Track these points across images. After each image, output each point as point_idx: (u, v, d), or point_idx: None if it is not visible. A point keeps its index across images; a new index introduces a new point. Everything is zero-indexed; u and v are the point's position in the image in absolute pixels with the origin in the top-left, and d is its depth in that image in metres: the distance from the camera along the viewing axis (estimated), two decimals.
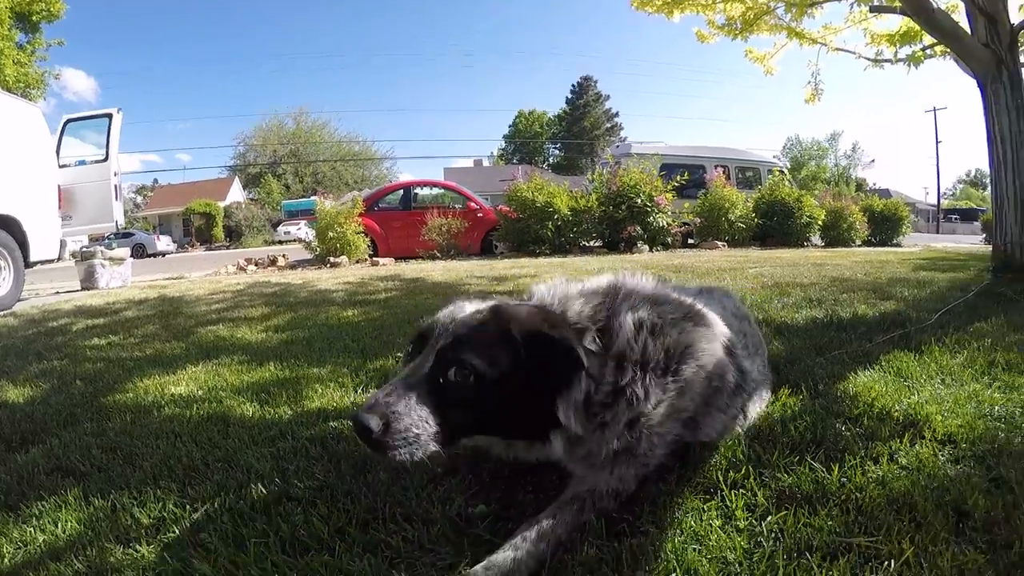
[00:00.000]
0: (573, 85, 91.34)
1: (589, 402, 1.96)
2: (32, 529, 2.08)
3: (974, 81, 6.83)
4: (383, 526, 1.92)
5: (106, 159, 11.90)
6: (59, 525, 2.09)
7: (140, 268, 17.69)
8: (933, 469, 2.17)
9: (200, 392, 3.61)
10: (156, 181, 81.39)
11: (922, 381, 3.16)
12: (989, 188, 6.72)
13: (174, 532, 1.96)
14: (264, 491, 2.19)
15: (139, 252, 37.65)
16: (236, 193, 69.52)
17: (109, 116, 12.12)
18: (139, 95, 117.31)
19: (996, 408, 2.74)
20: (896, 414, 2.64)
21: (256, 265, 16.10)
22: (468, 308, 2.09)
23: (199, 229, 58.85)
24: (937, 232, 47.30)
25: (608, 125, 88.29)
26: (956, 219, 58.78)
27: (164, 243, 45.58)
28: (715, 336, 2.28)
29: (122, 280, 12.39)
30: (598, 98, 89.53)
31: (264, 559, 1.78)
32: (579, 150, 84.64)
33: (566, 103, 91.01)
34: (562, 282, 2.36)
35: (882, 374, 3.27)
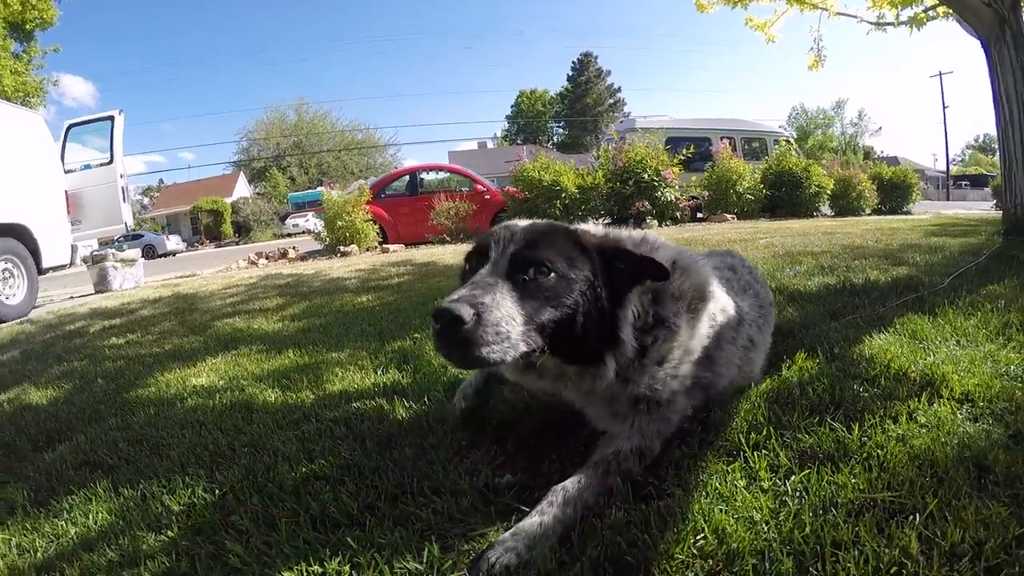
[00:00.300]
0: (573, 62, 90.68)
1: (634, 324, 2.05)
2: (64, 523, 2.12)
3: (978, 43, 6.77)
4: (412, 500, 1.95)
5: (111, 162, 11.91)
6: (90, 517, 2.13)
7: (151, 268, 17.79)
8: (952, 427, 2.18)
9: (222, 382, 3.66)
10: (162, 181, 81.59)
11: (937, 343, 3.16)
12: (997, 151, 6.64)
13: (205, 516, 1.99)
14: (292, 472, 2.22)
15: (149, 253, 37.68)
16: (242, 188, 69.62)
17: (111, 119, 12.12)
18: (138, 96, 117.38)
19: (1012, 367, 2.73)
20: (913, 375, 2.64)
21: (267, 258, 16.10)
22: (523, 222, 2.07)
23: (207, 226, 59.00)
24: (947, 199, 46.87)
25: (611, 101, 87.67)
26: (966, 185, 58.28)
27: (174, 242, 45.63)
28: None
29: (135, 281, 12.45)
30: (599, 74, 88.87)
31: (296, 537, 1.81)
32: (583, 127, 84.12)
33: (567, 80, 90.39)
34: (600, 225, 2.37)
35: (897, 337, 3.27)
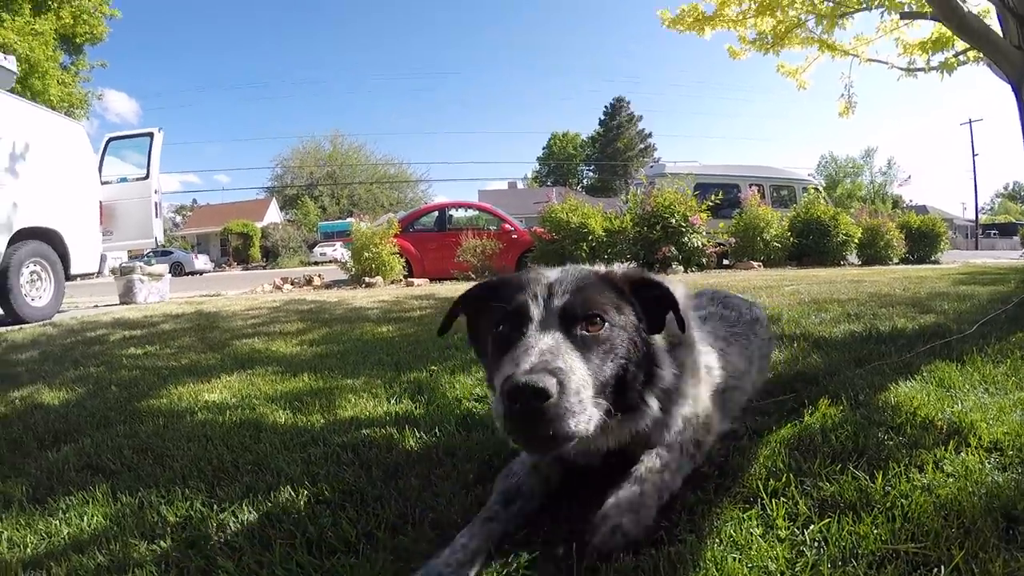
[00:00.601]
0: (606, 106, 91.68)
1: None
2: (58, 522, 2.10)
3: (1009, 87, 6.71)
4: (413, 530, 1.90)
5: (147, 177, 12.18)
6: (85, 519, 2.11)
7: (177, 285, 17.99)
8: (980, 476, 2.10)
9: (233, 400, 3.65)
10: (195, 201, 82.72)
11: (965, 390, 3.08)
12: None
13: (200, 531, 1.96)
14: (293, 494, 2.19)
15: (177, 270, 38.26)
16: (273, 214, 70.61)
17: (150, 135, 12.40)
18: (180, 117, 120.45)
19: None
20: (939, 423, 2.56)
21: (292, 284, 16.30)
22: (551, 271, 1.93)
23: (236, 249, 59.80)
24: (976, 248, 46.45)
25: (641, 146, 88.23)
26: (995, 234, 57.84)
27: (202, 262, 46.27)
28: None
29: (160, 296, 12.63)
30: (631, 119, 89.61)
31: (290, 559, 1.76)
32: (612, 171, 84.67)
33: (599, 124, 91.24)
34: None
35: (923, 384, 3.19)
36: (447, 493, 2.14)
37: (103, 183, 11.65)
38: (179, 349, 5.67)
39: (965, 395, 2.98)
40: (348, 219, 18.22)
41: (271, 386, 3.96)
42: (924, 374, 3.41)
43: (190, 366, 4.78)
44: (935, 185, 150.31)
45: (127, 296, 12.13)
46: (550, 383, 1.43)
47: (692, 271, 15.67)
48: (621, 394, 1.76)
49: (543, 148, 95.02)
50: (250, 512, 2.06)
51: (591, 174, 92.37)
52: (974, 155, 52.94)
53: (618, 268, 2.08)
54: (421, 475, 2.31)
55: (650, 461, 1.90)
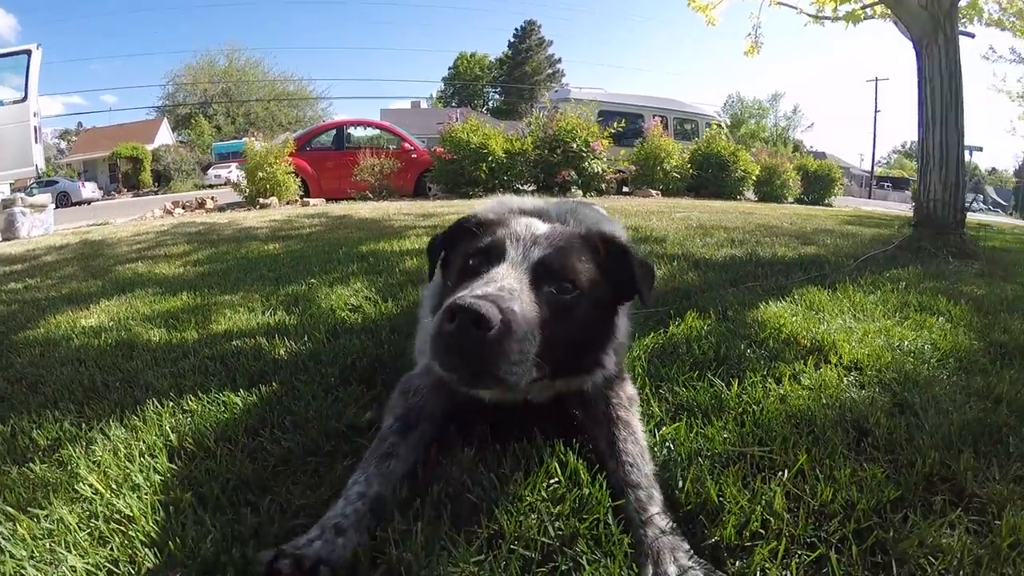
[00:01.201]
0: (516, 29, 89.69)
1: None
2: None
3: (911, 45, 6.92)
4: (270, 433, 1.93)
5: (24, 99, 11.22)
6: None
7: (65, 216, 16.97)
8: (837, 391, 2.24)
9: (110, 323, 3.55)
10: (80, 125, 76.81)
11: (833, 314, 3.27)
12: (916, 147, 6.83)
13: (68, 449, 1.93)
14: (159, 406, 2.18)
15: (63, 200, 35.67)
16: (165, 135, 66.65)
17: (27, 53, 11.37)
18: (61, 32, 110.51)
19: (906, 343, 2.85)
20: (804, 340, 2.70)
21: (184, 208, 15.59)
22: (541, 227, 1.80)
23: (126, 175, 56.43)
24: (869, 197, 48.55)
25: (550, 71, 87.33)
26: (888, 186, 60.44)
27: (90, 190, 43.29)
28: None
29: (44, 228, 11.80)
30: (541, 43, 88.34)
31: (149, 468, 1.77)
32: (519, 95, 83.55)
33: (508, 47, 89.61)
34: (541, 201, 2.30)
35: (793, 305, 3.36)
36: (307, 396, 2.18)
37: None
38: (60, 279, 5.40)
39: (833, 318, 3.17)
40: (245, 139, 17.40)
41: (149, 307, 3.87)
42: (795, 297, 3.59)
43: (70, 295, 4.58)
44: (837, 135, 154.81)
45: (9, 231, 11.21)
46: (494, 314, 1.35)
47: (591, 196, 15.80)
48: (570, 359, 1.68)
49: (449, 68, 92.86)
50: (117, 427, 2.05)
51: (497, 97, 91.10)
52: (876, 111, 54.93)
53: (605, 229, 1.98)
54: (284, 380, 2.35)
55: (622, 410, 1.82)
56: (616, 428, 1.76)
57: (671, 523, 1.47)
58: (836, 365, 2.51)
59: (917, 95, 6.76)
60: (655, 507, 1.51)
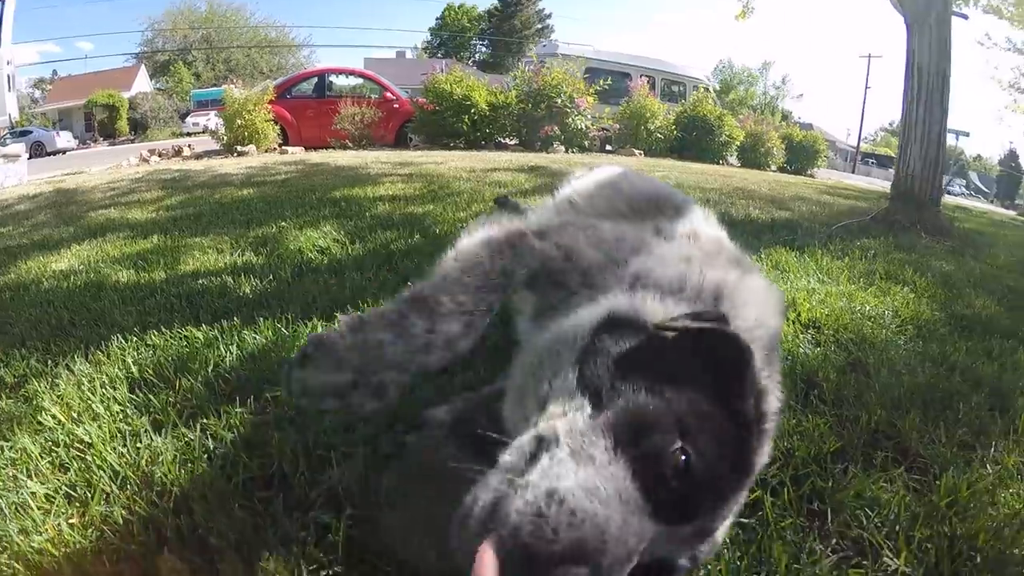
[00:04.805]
0: None
1: None
2: None
3: (903, 20, 6.92)
4: (228, 364, 2.01)
5: None
6: None
7: (39, 167, 16.49)
8: (792, 346, 2.28)
9: (80, 266, 3.58)
10: (55, 73, 74.91)
11: (799, 275, 3.34)
12: (899, 122, 6.88)
13: (33, 384, 1.99)
14: (123, 341, 2.23)
15: (38, 150, 34.82)
16: (142, 83, 65.04)
17: None
18: None
19: (868, 307, 2.95)
20: None
21: (160, 156, 15.33)
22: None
23: (102, 123, 55.26)
24: (853, 172, 48.68)
25: (539, 26, 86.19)
26: (872, 163, 60.56)
27: (65, 139, 42.11)
28: None
29: (18, 178, 11.60)
30: None
31: (110, 398, 1.84)
32: (507, 49, 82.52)
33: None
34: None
35: (759, 265, 3.38)
36: (267, 331, 2.25)
37: None
38: (32, 227, 5.38)
39: (797, 279, 3.23)
40: (224, 86, 17.08)
41: (119, 250, 3.88)
42: (762, 256, 3.64)
43: (42, 241, 4.58)
44: (826, 108, 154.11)
45: None
46: None
47: (573, 152, 15.76)
48: None
49: (436, 18, 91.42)
50: (82, 363, 2.11)
51: (484, 50, 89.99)
52: (867, 87, 54.84)
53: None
54: (246, 316, 2.40)
55: None
56: None
57: None
58: (794, 323, 2.57)
59: (904, 70, 6.80)
60: None
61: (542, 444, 0.99)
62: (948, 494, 1.58)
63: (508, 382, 1.37)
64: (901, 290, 3.38)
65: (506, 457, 0.98)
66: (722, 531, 1.11)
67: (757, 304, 1.45)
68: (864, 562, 1.42)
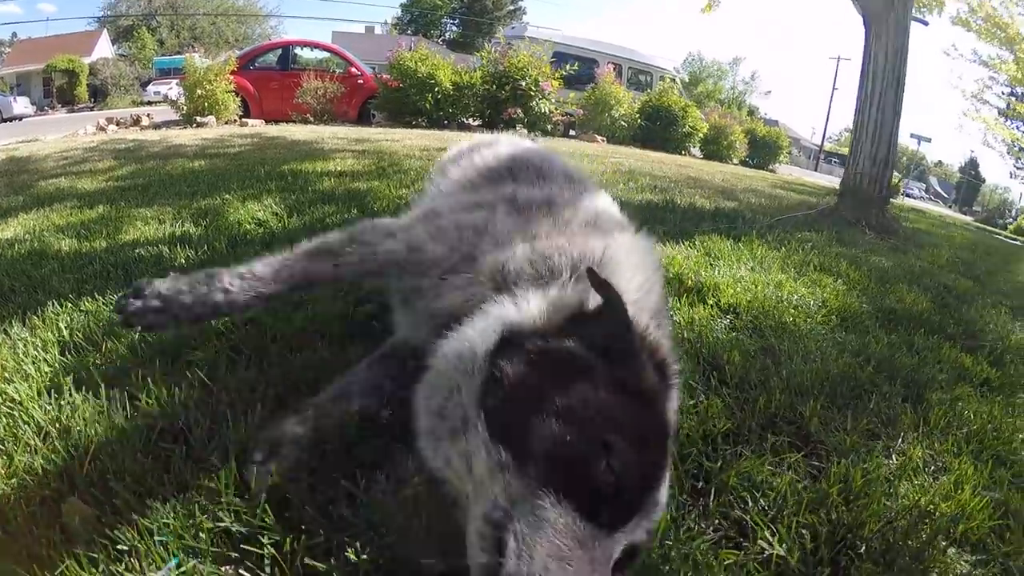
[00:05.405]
0: None
1: None
2: None
3: (861, 20, 7.04)
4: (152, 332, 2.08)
5: None
6: None
7: None
8: (704, 329, 2.35)
9: (25, 235, 3.61)
10: (15, 35, 72.33)
11: (730, 262, 3.42)
12: (852, 120, 7.02)
13: None
14: (58, 307, 2.32)
15: None
16: (104, 48, 63.01)
17: None
18: None
19: (796, 297, 3.02)
20: (688, 281, 2.88)
21: (118, 125, 15.04)
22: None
23: (60, 89, 53.73)
24: (815, 170, 49.19)
25: (512, 7, 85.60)
26: (835, 162, 61.21)
27: (22, 105, 40.73)
28: None
29: None
30: None
31: (40, 360, 1.94)
32: (478, 29, 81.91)
33: None
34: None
35: (691, 251, 3.51)
36: None
37: None
38: None
39: (727, 267, 3.31)
40: (187, 54, 16.68)
41: (64, 219, 3.91)
42: (696, 243, 3.73)
43: None
44: (794, 107, 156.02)
45: None
46: None
47: (535, 136, 15.79)
48: None
49: None
50: (18, 327, 2.18)
51: (455, 28, 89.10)
52: (834, 88, 55.33)
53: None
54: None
55: None
56: None
57: None
58: (712, 307, 2.67)
59: (860, 69, 6.96)
60: None
61: (499, 527, 1.07)
62: (839, 481, 1.65)
63: (418, 419, 1.37)
64: (833, 282, 3.50)
65: (479, 555, 1.08)
66: (664, 491, 1.21)
67: (635, 267, 1.55)
68: (744, 543, 1.48)
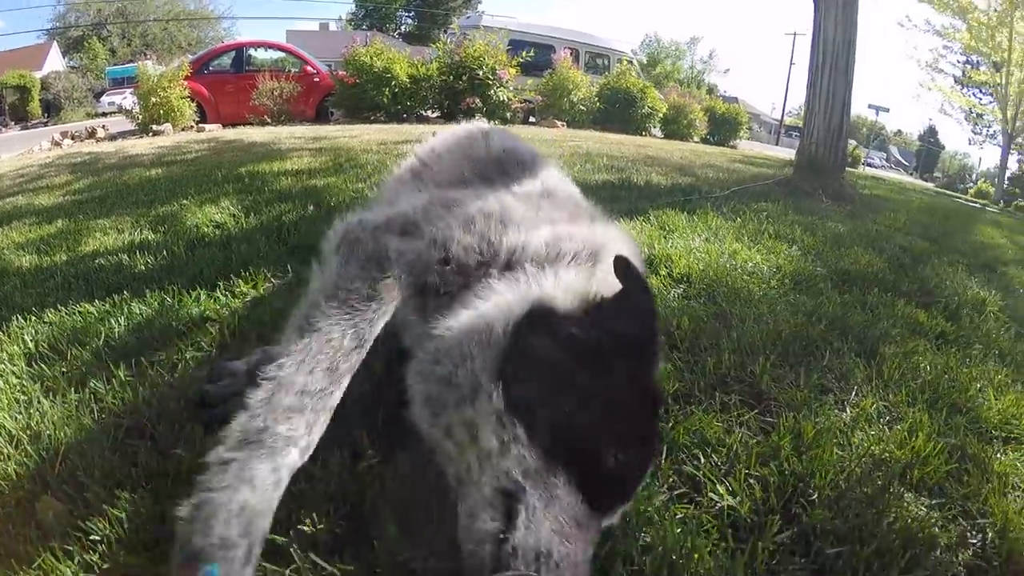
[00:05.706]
0: None
1: None
2: None
3: None
4: (116, 334, 2.20)
5: None
6: None
7: None
8: (658, 298, 2.41)
9: None
10: None
11: (684, 234, 3.50)
12: (805, 90, 7.11)
13: None
14: (23, 321, 2.35)
15: None
16: (55, 61, 61.61)
17: None
18: None
19: (750, 264, 3.09)
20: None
21: (73, 139, 14.78)
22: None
23: (13, 106, 52.61)
24: (776, 144, 49.63)
25: None
26: (796, 135, 61.86)
27: None
28: None
29: None
30: None
31: (8, 372, 1.99)
32: (433, 21, 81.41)
33: None
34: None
35: (645, 225, 3.57)
36: (155, 303, 2.42)
37: None
38: None
39: (681, 239, 3.37)
40: (139, 62, 16.44)
41: (23, 236, 3.91)
42: (651, 217, 3.80)
43: None
44: (753, 83, 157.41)
45: None
46: None
47: (495, 124, 15.77)
48: None
49: None
50: None
51: (411, 21, 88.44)
52: (791, 63, 55.70)
53: None
54: (136, 290, 2.56)
55: None
56: None
57: None
58: (665, 277, 2.75)
59: (811, 41, 7.06)
60: None
61: (511, 498, 1.14)
62: (789, 433, 1.73)
63: (413, 384, 1.38)
64: (788, 248, 3.59)
65: (488, 521, 1.13)
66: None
67: (632, 255, 1.55)
68: (697, 498, 1.54)
